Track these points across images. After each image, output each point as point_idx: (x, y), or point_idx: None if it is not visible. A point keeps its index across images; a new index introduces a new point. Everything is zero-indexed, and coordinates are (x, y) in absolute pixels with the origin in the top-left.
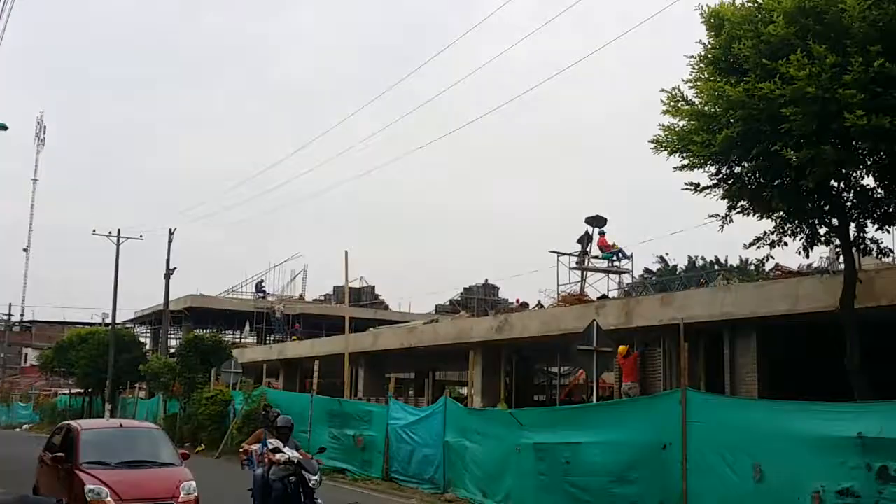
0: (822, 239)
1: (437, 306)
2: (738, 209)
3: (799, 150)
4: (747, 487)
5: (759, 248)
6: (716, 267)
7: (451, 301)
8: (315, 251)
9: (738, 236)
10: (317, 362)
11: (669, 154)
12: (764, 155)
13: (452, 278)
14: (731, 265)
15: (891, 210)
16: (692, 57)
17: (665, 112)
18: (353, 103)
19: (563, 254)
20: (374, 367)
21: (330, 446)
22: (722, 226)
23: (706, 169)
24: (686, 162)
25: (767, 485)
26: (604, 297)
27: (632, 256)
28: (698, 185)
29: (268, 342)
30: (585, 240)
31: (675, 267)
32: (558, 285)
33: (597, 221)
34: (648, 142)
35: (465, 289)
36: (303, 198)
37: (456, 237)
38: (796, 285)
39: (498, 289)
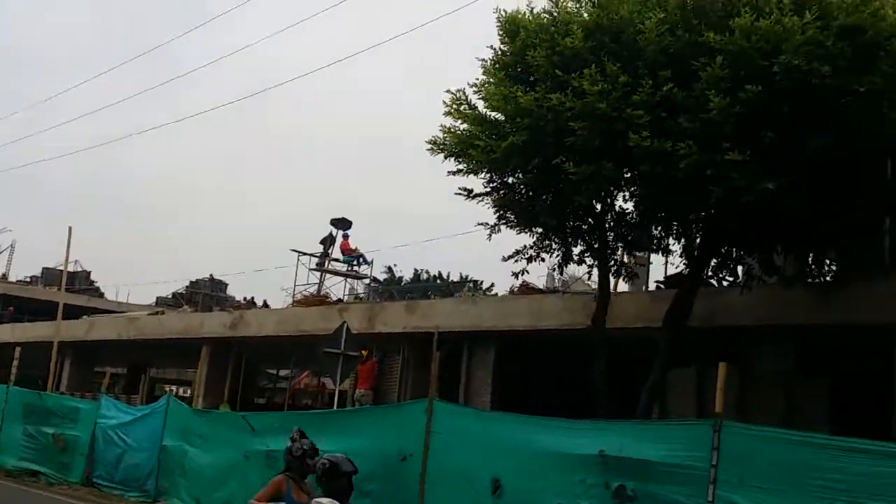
0: (576, 258)
1: (158, 298)
2: (505, 221)
3: (580, 164)
4: (485, 503)
5: (516, 261)
6: (438, 281)
7: (174, 294)
8: (27, 228)
9: (461, 253)
10: (18, 349)
11: (446, 157)
12: (544, 167)
13: (180, 270)
14: (452, 280)
15: (643, 237)
16: (483, 60)
17: (447, 114)
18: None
19: (304, 253)
20: (83, 360)
21: (24, 446)
22: (490, 235)
23: (482, 175)
24: (462, 167)
25: (506, 500)
26: (340, 300)
27: (372, 262)
28: (471, 191)
29: None
30: (329, 241)
31: (400, 278)
32: (295, 285)
33: (342, 224)
34: (426, 142)
35: (190, 282)
36: (16, 167)
37: (190, 226)
38: (539, 302)
39: (226, 285)
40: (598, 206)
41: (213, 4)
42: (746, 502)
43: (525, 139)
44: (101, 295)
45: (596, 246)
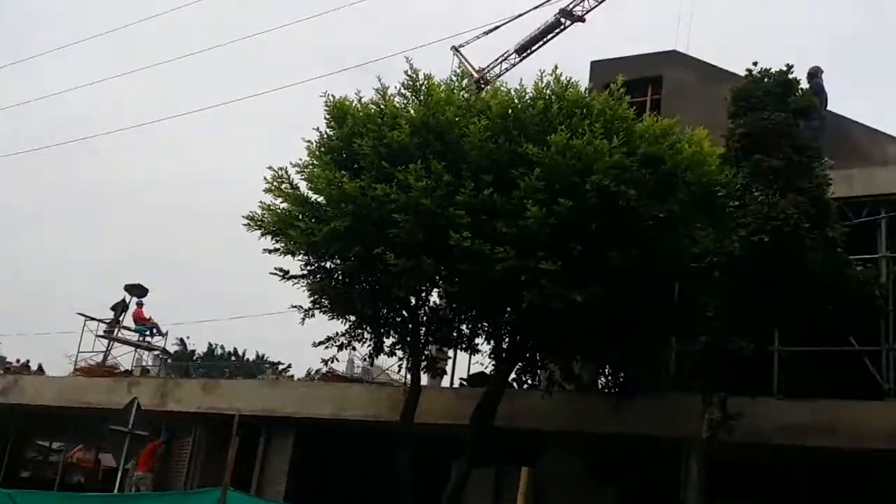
0: (387, 350)
1: None
2: (319, 306)
3: (401, 257)
4: None
5: (327, 347)
6: (233, 358)
7: None
8: None
9: (259, 331)
10: None
11: (263, 234)
12: (364, 255)
13: None
14: (248, 359)
15: (454, 333)
16: (308, 142)
17: (268, 190)
18: None
19: (92, 318)
20: None
21: None
22: (303, 319)
23: (299, 257)
24: (279, 246)
25: None
26: (128, 371)
27: (167, 334)
28: (287, 272)
29: None
30: (120, 307)
31: (193, 352)
32: (79, 352)
33: (137, 290)
34: (244, 217)
35: None
36: None
37: None
38: (344, 391)
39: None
40: (414, 300)
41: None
42: None
43: (347, 225)
44: None
45: (409, 339)
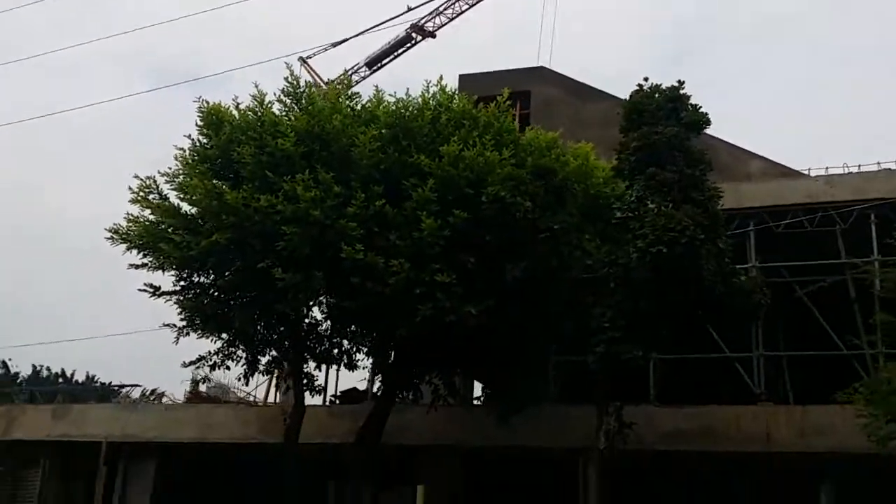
0: (263, 368)
1: None
2: (191, 325)
3: (289, 271)
4: None
5: (198, 367)
6: (60, 380)
7: None
8: None
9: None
10: None
11: (130, 248)
12: (246, 270)
13: None
14: (77, 381)
15: (334, 350)
16: (181, 149)
17: (134, 201)
18: None
19: None
20: None
21: None
22: (177, 338)
23: (172, 273)
24: (146, 261)
25: None
26: None
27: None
28: (158, 288)
29: None
30: None
31: (17, 374)
32: None
33: None
34: (107, 230)
35: None
36: None
37: None
38: (210, 412)
39: None
40: (295, 316)
41: None
42: None
43: (229, 237)
44: None
45: (290, 356)
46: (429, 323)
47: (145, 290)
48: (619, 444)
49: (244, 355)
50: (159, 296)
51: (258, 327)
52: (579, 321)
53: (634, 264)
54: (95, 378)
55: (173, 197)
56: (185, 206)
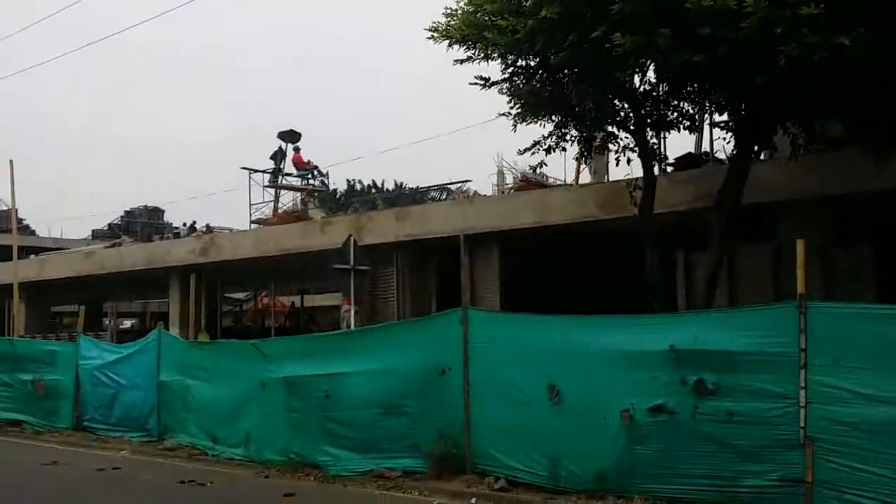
0: (598, 144)
1: (94, 231)
2: (526, 109)
3: (630, 34)
4: (542, 410)
5: (534, 153)
6: (373, 191)
7: (109, 225)
8: None
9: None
10: None
11: (452, 44)
12: (579, 43)
13: (103, 203)
14: (387, 188)
15: (674, 115)
16: None
17: None
18: None
19: (256, 170)
20: (36, 301)
21: None
22: (515, 126)
23: (499, 60)
24: (471, 53)
25: (567, 406)
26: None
27: (328, 174)
28: (488, 79)
29: None
30: (279, 156)
31: (335, 190)
32: (251, 205)
33: (291, 137)
34: (426, 30)
35: (125, 212)
36: None
37: (103, 159)
38: (543, 197)
39: (163, 212)
40: (630, 84)
41: None
42: (843, 384)
43: (558, 12)
44: (33, 233)
45: (630, 125)
46: (795, 64)
47: (477, 83)
48: None
49: (577, 134)
50: (490, 85)
51: (589, 103)
52: None
53: None
54: (403, 185)
55: None
56: None
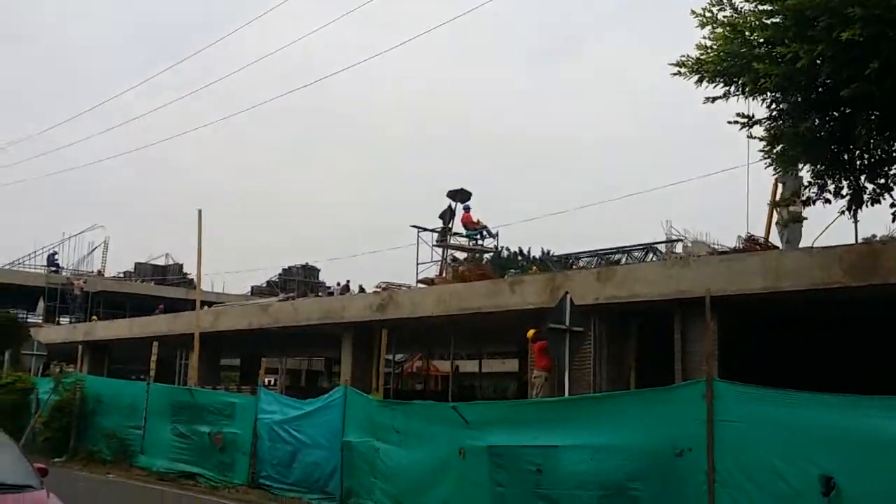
0: (868, 197)
1: (253, 287)
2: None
3: None
4: None
5: (789, 205)
6: (519, 258)
7: (268, 282)
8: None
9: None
10: (155, 344)
11: (701, 80)
12: (882, 72)
13: (255, 262)
14: (534, 256)
15: None
16: None
17: (702, 24)
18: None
19: (425, 229)
20: (208, 352)
21: (175, 446)
22: (775, 170)
23: (763, 96)
24: (729, 89)
25: (844, 501)
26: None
27: (497, 235)
28: (751, 117)
29: (61, 322)
30: (448, 215)
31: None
32: (418, 263)
33: (460, 196)
34: (672, 64)
35: (283, 269)
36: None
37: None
38: (778, 258)
39: (318, 271)
40: None
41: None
42: None
43: (858, 34)
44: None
45: None
46: None
47: (737, 122)
48: None
49: (846, 182)
50: (752, 125)
51: (883, 145)
52: None
53: None
54: (549, 252)
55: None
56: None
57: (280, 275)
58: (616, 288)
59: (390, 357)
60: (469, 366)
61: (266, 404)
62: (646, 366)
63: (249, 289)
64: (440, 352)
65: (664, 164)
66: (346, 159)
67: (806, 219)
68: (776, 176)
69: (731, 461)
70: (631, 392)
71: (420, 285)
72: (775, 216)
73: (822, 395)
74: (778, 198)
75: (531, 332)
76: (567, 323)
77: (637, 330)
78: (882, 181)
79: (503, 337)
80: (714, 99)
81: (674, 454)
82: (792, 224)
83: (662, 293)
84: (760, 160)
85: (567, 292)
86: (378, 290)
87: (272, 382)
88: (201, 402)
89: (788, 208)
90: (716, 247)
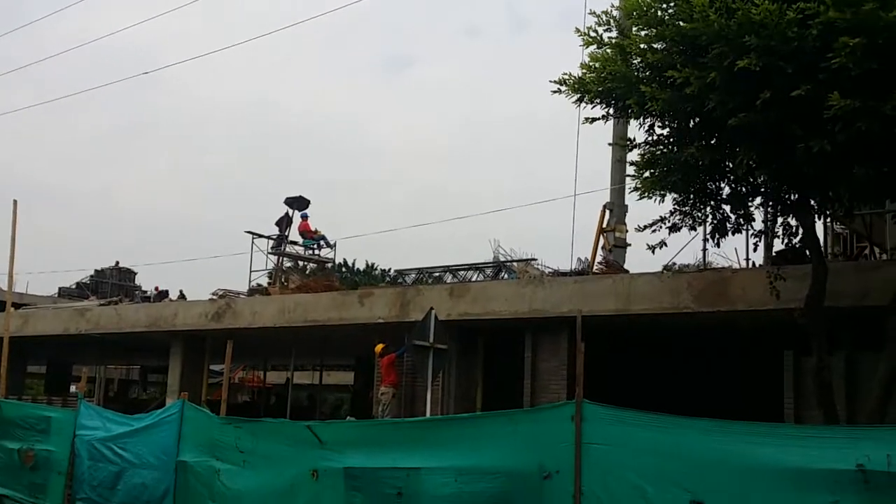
0: (731, 227)
1: (60, 289)
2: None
3: (851, 96)
4: None
5: (654, 231)
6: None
7: (78, 284)
8: None
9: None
10: None
11: (581, 100)
12: (773, 103)
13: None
14: (358, 268)
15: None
16: None
17: (588, 42)
18: None
19: (260, 236)
20: (10, 359)
21: None
22: (641, 197)
23: (645, 119)
24: (610, 111)
25: None
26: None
27: (335, 245)
28: (633, 140)
29: None
30: (285, 222)
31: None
32: (251, 271)
33: (298, 203)
34: (554, 81)
35: (95, 271)
36: None
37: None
38: (630, 282)
39: (135, 274)
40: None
41: None
42: None
43: (752, 64)
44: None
45: (795, 207)
46: None
47: (619, 144)
48: None
49: (712, 212)
50: (631, 148)
51: (764, 174)
52: None
53: None
54: (375, 265)
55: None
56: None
57: (92, 276)
58: (470, 305)
59: (215, 368)
60: (304, 377)
61: (87, 419)
62: (491, 384)
63: (57, 290)
64: (278, 363)
65: (495, 180)
66: (162, 159)
67: (630, 245)
68: (606, 203)
69: (598, 485)
70: (498, 412)
71: (256, 295)
72: (601, 241)
73: (689, 419)
74: (605, 225)
75: (380, 347)
76: (431, 340)
77: (483, 347)
78: (742, 212)
79: (347, 350)
80: (593, 120)
81: (541, 476)
82: (616, 249)
83: (516, 312)
84: (630, 185)
85: (432, 308)
86: (214, 297)
87: (87, 392)
88: (10, 416)
89: (615, 234)
90: (542, 269)
